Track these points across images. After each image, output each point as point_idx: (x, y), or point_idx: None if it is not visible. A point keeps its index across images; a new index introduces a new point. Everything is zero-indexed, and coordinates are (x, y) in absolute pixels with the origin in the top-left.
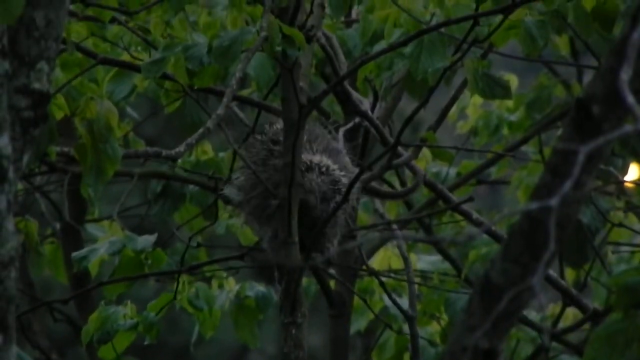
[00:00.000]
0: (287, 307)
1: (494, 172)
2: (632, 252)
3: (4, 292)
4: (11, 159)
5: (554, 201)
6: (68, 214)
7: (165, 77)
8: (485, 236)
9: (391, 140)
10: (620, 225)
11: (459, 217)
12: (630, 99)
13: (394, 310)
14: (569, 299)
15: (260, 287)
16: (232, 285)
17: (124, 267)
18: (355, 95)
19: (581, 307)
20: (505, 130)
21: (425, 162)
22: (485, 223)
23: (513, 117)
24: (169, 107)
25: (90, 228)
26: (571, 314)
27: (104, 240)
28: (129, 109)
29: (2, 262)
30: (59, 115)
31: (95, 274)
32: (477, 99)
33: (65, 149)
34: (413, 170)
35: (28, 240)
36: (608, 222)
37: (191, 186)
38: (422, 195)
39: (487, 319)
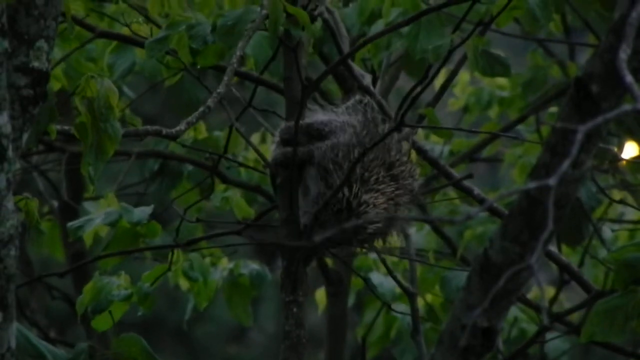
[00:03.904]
0: (288, 286)
1: (486, 149)
2: (631, 230)
3: (3, 271)
4: (10, 138)
5: (552, 181)
6: (66, 193)
7: (166, 53)
8: (481, 215)
9: (392, 116)
10: (621, 201)
11: (453, 195)
12: (629, 78)
13: (382, 288)
14: (570, 275)
15: (255, 265)
16: (225, 263)
17: (119, 239)
18: (357, 70)
19: (582, 283)
20: (496, 108)
21: (418, 139)
22: (487, 200)
23: (505, 94)
24: (169, 80)
25: (88, 206)
26: (563, 297)
27: (100, 212)
28: (125, 88)
29: (2, 240)
30: (56, 87)
31: (89, 245)
32: (466, 77)
33: (65, 128)
34: (414, 146)
35: (28, 218)
36: (609, 199)
37: (189, 165)
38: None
39: (486, 298)
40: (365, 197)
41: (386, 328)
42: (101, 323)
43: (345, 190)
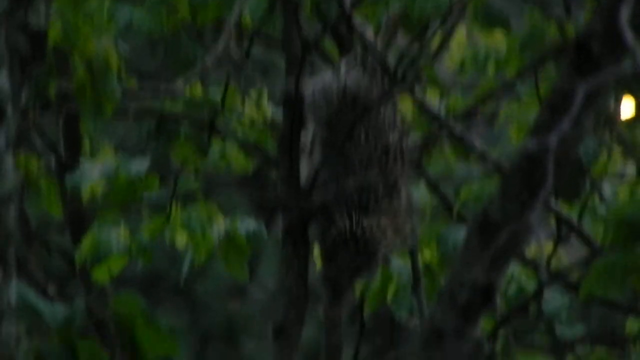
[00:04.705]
0: (289, 242)
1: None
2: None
3: (2, 229)
4: (9, 97)
5: (552, 140)
6: (64, 151)
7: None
8: (478, 174)
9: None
10: (622, 156)
11: (449, 152)
12: (629, 37)
13: None
14: (570, 229)
15: (252, 222)
16: (221, 221)
17: (117, 192)
18: (358, 23)
19: (583, 237)
20: (492, 66)
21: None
22: (489, 156)
23: (502, 49)
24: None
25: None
26: (563, 253)
27: (97, 163)
28: (120, 41)
29: (1, 198)
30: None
31: (86, 199)
32: (462, 36)
33: (64, 86)
34: (415, 102)
35: (28, 176)
36: (608, 155)
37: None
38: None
39: (485, 256)
40: (366, 222)
41: (383, 284)
42: (101, 273)
43: (346, 222)
